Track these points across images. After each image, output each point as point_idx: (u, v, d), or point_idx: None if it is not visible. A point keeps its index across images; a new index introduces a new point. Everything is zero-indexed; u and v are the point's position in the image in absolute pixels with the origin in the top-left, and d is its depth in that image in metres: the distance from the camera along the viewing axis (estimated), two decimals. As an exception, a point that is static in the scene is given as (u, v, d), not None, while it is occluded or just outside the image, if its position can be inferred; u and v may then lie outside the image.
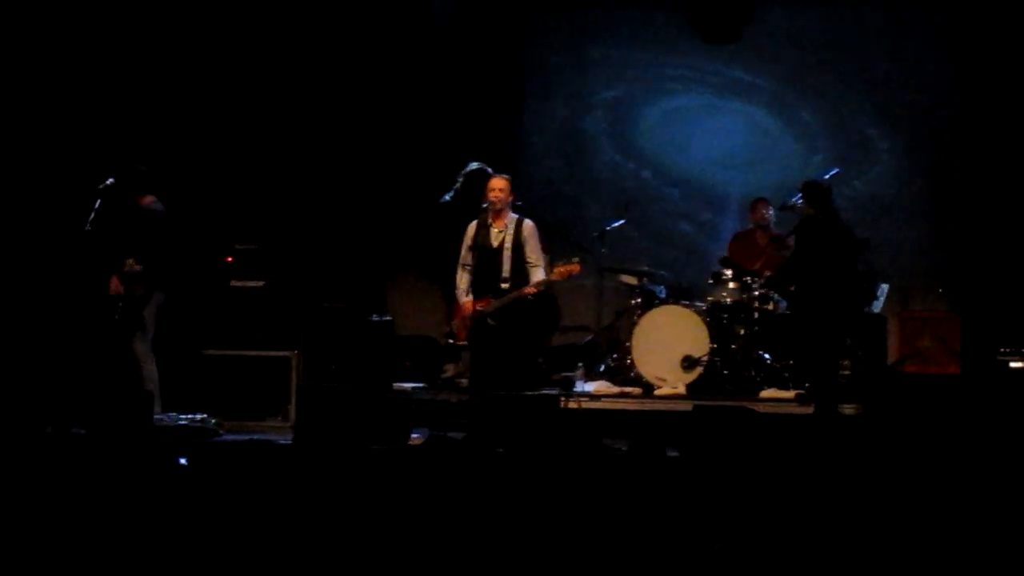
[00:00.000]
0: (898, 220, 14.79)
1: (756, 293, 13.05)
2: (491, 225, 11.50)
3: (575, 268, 11.29)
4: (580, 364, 13.55)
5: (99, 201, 11.82)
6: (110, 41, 14.19)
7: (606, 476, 8.57)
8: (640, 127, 15.49)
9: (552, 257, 11.69)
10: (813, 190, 11.98)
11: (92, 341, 12.34)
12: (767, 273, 13.04)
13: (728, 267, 13.33)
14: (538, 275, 11.39)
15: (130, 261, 11.94)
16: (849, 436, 10.03)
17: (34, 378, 11.89)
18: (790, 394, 12.44)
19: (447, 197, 13.19)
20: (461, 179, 13.10)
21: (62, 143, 13.94)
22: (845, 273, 11.76)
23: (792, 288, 12.51)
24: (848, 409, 11.72)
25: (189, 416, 11.72)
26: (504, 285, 11.32)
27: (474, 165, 13.05)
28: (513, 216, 11.55)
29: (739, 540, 7.36)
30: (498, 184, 11.51)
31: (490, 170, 12.47)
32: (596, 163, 15.54)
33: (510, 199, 11.55)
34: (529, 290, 11.33)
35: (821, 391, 11.78)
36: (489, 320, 11.32)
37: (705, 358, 12.78)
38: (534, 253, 11.46)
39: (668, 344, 12.89)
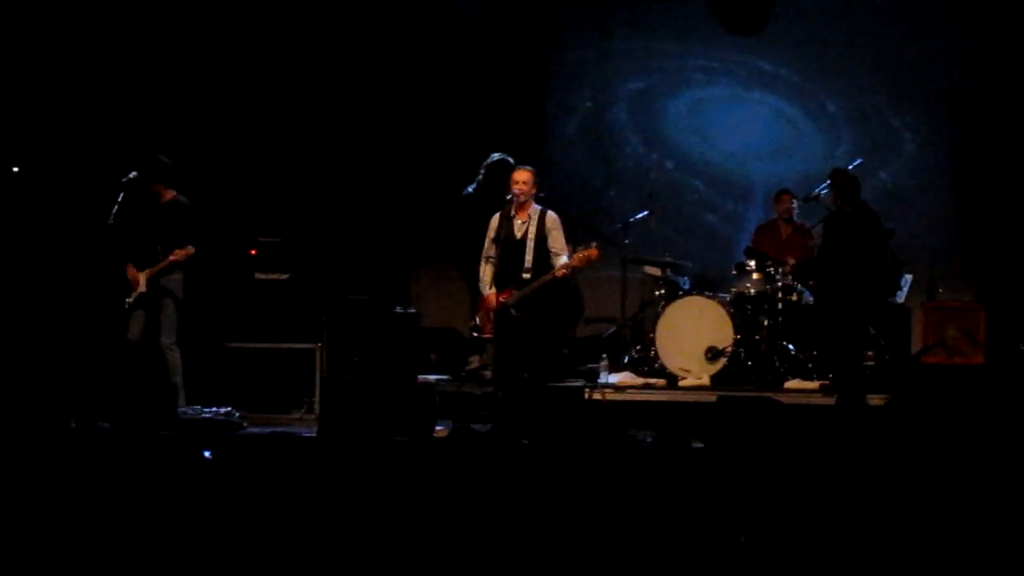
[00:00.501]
0: (922, 210, 14.72)
1: (780, 284, 13.01)
2: (514, 217, 11.47)
3: (593, 253, 11.22)
4: (604, 355, 13.50)
5: (122, 194, 11.84)
6: (134, 35, 14.24)
7: (631, 467, 8.55)
8: (664, 118, 15.45)
9: (573, 246, 11.66)
10: (841, 179, 11.93)
11: (116, 335, 12.35)
12: (791, 262, 13.00)
13: (755, 257, 13.28)
14: (563, 261, 11.35)
15: (182, 252, 11.86)
16: (873, 427, 10.01)
17: (57, 372, 11.92)
18: (814, 385, 12.43)
19: (470, 189, 13.18)
20: (483, 171, 13.07)
21: (85, 137, 13.99)
22: (872, 264, 11.73)
23: (817, 281, 12.49)
24: (873, 399, 11.70)
25: (213, 409, 11.77)
26: (526, 276, 11.28)
27: (496, 156, 13.03)
28: (536, 208, 11.51)
29: (764, 531, 7.33)
30: (521, 176, 11.46)
31: (512, 161, 12.45)
32: (620, 154, 15.49)
33: (533, 191, 11.49)
34: (559, 272, 11.28)
35: (845, 382, 11.77)
36: (513, 311, 11.31)
37: (729, 349, 12.76)
38: (558, 242, 11.40)
39: (692, 335, 12.88)
